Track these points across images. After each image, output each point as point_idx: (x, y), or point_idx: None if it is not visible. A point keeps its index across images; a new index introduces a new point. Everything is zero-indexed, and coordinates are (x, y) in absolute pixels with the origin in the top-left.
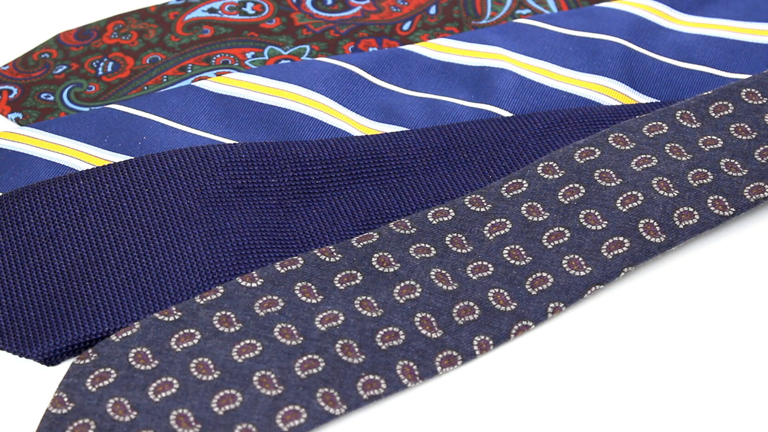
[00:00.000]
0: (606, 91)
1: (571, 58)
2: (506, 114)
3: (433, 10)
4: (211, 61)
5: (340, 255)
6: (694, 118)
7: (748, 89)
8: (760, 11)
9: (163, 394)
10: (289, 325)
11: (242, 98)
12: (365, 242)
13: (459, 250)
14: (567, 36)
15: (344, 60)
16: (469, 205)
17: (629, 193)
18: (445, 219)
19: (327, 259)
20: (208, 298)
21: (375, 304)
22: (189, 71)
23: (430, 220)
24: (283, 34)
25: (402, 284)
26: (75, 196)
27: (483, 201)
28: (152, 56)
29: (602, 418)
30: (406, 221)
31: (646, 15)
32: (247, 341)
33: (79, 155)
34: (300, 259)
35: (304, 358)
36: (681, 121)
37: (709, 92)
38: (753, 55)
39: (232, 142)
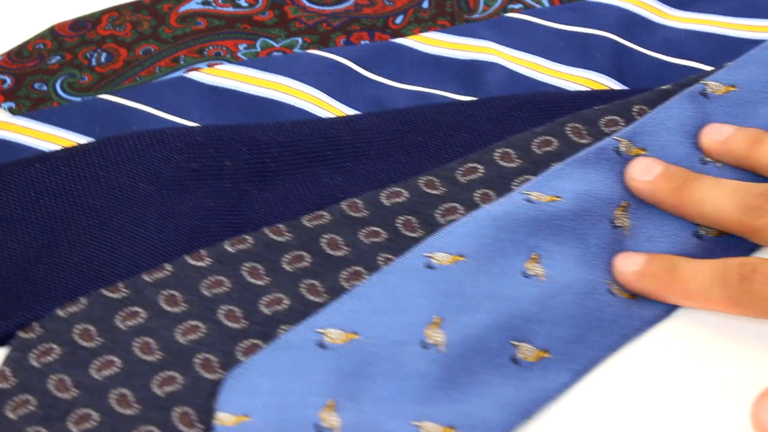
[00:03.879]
0: (594, 85)
1: (561, 52)
2: None
3: (425, 4)
4: (204, 52)
5: (290, 234)
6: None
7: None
8: (752, 7)
9: (105, 373)
10: (234, 308)
11: (233, 90)
12: (316, 222)
13: (410, 234)
14: (557, 30)
15: (335, 53)
16: (424, 187)
17: None
18: (399, 200)
19: (277, 238)
20: (156, 276)
21: (321, 289)
22: (181, 62)
23: (383, 201)
24: (276, 27)
25: (350, 270)
26: (30, 179)
27: (438, 183)
28: (145, 47)
29: (601, 418)
30: (358, 202)
31: (637, 10)
32: (192, 322)
33: (70, 145)
34: (250, 238)
35: (247, 343)
36: (638, 117)
37: (669, 86)
38: (743, 51)
39: None
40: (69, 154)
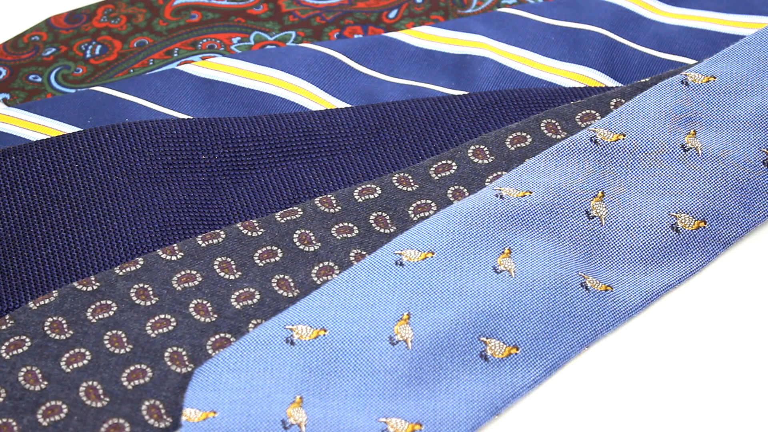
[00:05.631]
0: (585, 80)
1: (553, 47)
2: None
3: None
4: (197, 45)
5: (262, 230)
6: None
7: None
8: (743, 3)
9: (75, 365)
10: (205, 302)
11: (225, 82)
12: (288, 218)
13: (382, 230)
14: (549, 26)
15: (327, 46)
16: (396, 184)
17: None
18: (371, 197)
19: (249, 233)
20: (127, 269)
21: (292, 284)
22: (175, 55)
23: (356, 197)
24: (270, 20)
25: (321, 265)
26: (6, 171)
27: (410, 180)
28: (140, 40)
29: (572, 415)
30: (331, 197)
31: (629, 6)
32: (162, 316)
33: None
34: (222, 232)
35: (217, 337)
36: (615, 110)
37: (647, 79)
38: None
39: None
40: (45, 146)
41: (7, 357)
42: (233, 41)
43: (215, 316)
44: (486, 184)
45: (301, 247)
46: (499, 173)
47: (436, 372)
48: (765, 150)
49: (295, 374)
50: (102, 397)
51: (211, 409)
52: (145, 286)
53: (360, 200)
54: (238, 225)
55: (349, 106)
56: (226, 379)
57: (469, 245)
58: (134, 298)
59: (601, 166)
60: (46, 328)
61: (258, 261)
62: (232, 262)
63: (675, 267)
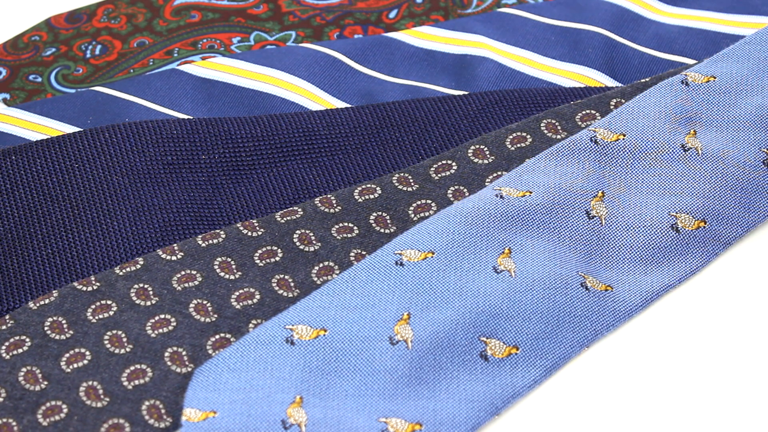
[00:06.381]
0: (585, 80)
1: (553, 47)
2: None
3: None
4: (198, 45)
5: (262, 230)
6: None
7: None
8: (743, 3)
9: (75, 365)
10: (205, 302)
11: (225, 82)
12: (288, 218)
13: (382, 230)
14: (549, 26)
15: (328, 46)
16: (396, 184)
17: None
18: (372, 197)
19: (249, 233)
20: (128, 269)
21: (292, 284)
22: (175, 55)
23: (356, 197)
24: (270, 20)
25: (321, 265)
26: (6, 171)
27: (410, 180)
28: (140, 40)
29: (572, 415)
30: (332, 197)
31: (629, 6)
32: (162, 316)
33: None
34: (222, 232)
35: (217, 337)
36: (615, 110)
37: (647, 79)
38: None
39: None
40: (45, 146)
41: (7, 357)
42: (233, 41)
43: (215, 316)
44: (486, 184)
45: (301, 247)
46: (499, 173)
47: (436, 372)
48: (765, 150)
49: (295, 374)
50: (102, 397)
51: (211, 409)
52: (145, 286)
53: (360, 200)
54: (238, 225)
55: (349, 106)
56: (226, 379)
57: (469, 245)
58: (134, 298)
59: (601, 166)
60: (46, 328)
61: (258, 261)
62: (232, 262)
63: (675, 267)
